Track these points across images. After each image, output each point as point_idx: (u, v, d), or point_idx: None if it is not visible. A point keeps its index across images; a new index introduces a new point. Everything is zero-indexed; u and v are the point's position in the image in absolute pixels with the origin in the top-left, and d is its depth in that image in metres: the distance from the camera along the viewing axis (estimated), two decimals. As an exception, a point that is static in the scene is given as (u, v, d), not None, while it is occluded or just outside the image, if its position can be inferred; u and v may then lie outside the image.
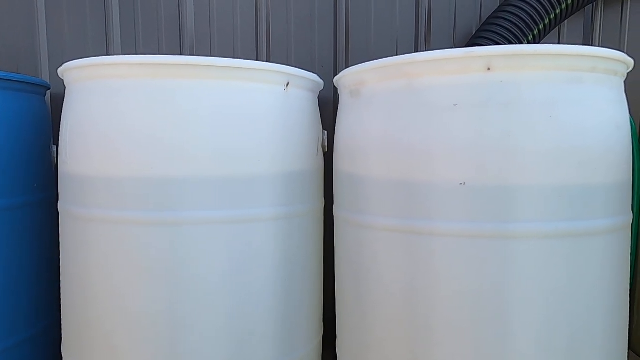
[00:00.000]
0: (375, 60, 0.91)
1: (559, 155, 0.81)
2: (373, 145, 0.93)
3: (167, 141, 0.91)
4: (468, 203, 0.82)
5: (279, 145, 1.00)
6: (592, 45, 1.39)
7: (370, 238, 0.94)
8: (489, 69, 0.81)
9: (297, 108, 1.06)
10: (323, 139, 1.18)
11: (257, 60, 1.47)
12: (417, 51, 1.45)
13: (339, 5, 1.45)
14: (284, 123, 1.01)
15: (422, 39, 1.43)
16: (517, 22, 1.07)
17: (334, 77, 1.56)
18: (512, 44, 1.07)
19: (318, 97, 1.23)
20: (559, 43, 1.42)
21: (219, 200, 0.92)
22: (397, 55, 1.51)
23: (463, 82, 0.83)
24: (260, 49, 1.46)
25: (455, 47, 1.43)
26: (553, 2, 1.08)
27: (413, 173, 0.86)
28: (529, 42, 1.09)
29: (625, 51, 1.42)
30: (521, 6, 1.10)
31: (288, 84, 1.02)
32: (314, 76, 1.12)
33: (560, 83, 0.82)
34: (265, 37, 1.46)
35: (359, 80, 0.97)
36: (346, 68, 1.53)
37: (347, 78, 1.00)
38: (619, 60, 0.87)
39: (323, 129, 1.23)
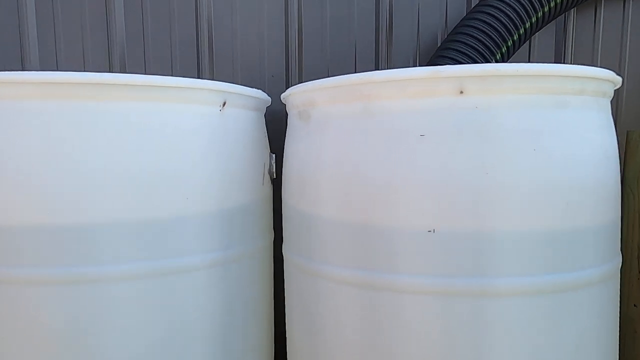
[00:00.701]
0: (326, 79, 0.76)
1: (544, 194, 0.68)
2: (326, 179, 0.78)
3: (68, 179, 0.73)
4: (438, 254, 0.68)
5: (212, 177, 0.84)
6: (564, 59, 1.28)
7: (324, 289, 0.79)
8: (461, 92, 0.68)
9: (237, 131, 0.90)
10: (271, 164, 1.02)
11: (198, 77, 1.30)
12: (378, 58, 1.31)
13: (290, 8, 1.30)
14: (219, 150, 0.85)
15: (383, 43, 1.30)
16: (488, 34, 0.94)
17: (286, 89, 1.42)
18: (484, 59, 0.95)
19: (268, 112, 1.08)
20: (530, 59, 1.31)
21: (136, 249, 0.75)
22: (355, 60, 1.39)
23: (430, 108, 0.69)
24: (202, 65, 1.29)
25: (420, 52, 1.30)
26: (528, 10, 0.96)
27: (373, 215, 0.72)
28: (501, 58, 0.97)
29: (599, 64, 1.33)
30: (494, 14, 0.98)
31: (224, 103, 0.86)
32: (258, 92, 0.96)
33: (544, 108, 0.69)
34: (207, 51, 1.29)
35: (308, 100, 0.82)
36: (299, 77, 1.40)
37: (295, 97, 0.85)
38: (609, 80, 0.75)
39: (272, 151, 1.07)
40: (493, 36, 0.91)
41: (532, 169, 0.67)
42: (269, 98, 1.07)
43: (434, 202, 0.68)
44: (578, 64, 1.24)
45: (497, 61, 0.97)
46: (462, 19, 1.03)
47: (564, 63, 1.27)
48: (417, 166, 0.69)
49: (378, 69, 1.29)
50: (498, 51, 0.93)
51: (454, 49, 0.94)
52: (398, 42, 1.28)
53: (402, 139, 0.70)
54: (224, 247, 0.87)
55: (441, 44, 1.00)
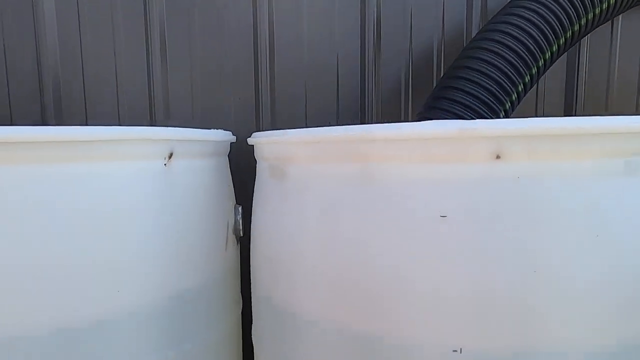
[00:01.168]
0: (307, 131, 0.56)
1: (615, 298, 0.50)
2: (307, 267, 0.58)
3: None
4: (468, 384, 0.50)
5: (156, 258, 0.63)
6: (575, 110, 1.09)
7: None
8: (498, 157, 0.49)
9: (190, 189, 0.69)
10: (236, 221, 0.82)
11: (151, 123, 1.08)
12: (365, 70, 1.11)
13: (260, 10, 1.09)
14: (165, 220, 0.64)
15: (371, 54, 1.10)
16: (502, 70, 0.73)
17: (256, 110, 1.21)
18: (495, 103, 0.74)
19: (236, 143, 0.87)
20: (537, 104, 1.12)
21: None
22: (337, 71, 1.18)
23: (455, 177, 0.50)
24: (156, 107, 1.07)
25: (413, 62, 1.11)
26: (549, 36, 0.75)
27: (374, 324, 0.52)
28: (510, 106, 0.76)
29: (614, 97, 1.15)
30: (509, 42, 0.75)
31: (171, 155, 0.65)
32: (218, 134, 0.75)
33: (611, 176, 0.51)
34: (161, 95, 1.07)
35: (283, 154, 0.61)
36: (271, 95, 1.19)
37: (265, 148, 0.64)
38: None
39: (240, 200, 0.87)
40: (509, 73, 0.72)
41: (600, 263, 0.49)
42: (233, 137, 0.86)
43: (461, 312, 0.49)
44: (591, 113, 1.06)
45: (507, 107, 0.75)
46: (465, 49, 0.81)
47: (575, 111, 1.08)
48: (436, 260, 0.50)
49: (365, 81, 1.09)
50: (514, 90, 0.73)
51: (456, 89, 0.72)
52: (388, 50, 1.09)
53: (414, 219, 0.50)
54: (177, 343, 0.66)
55: (439, 81, 0.78)
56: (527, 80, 0.73)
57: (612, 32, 1.08)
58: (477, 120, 0.48)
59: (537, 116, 1.07)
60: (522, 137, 0.47)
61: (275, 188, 0.62)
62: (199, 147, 0.69)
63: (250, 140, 0.67)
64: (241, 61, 1.08)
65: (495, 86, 0.70)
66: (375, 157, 0.51)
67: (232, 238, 0.78)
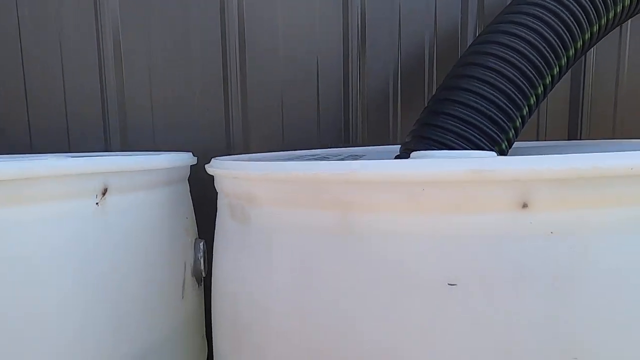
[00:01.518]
0: (273, 165, 0.44)
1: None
2: (275, 337, 0.46)
3: None
4: None
5: (86, 324, 0.50)
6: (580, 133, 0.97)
7: None
8: (524, 206, 0.37)
9: (132, 228, 0.56)
10: (196, 259, 0.69)
11: (107, 150, 0.94)
12: (349, 66, 0.98)
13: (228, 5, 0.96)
14: (93, 271, 0.51)
15: (355, 53, 0.98)
16: (504, 91, 0.56)
17: (225, 115, 1.07)
18: (495, 130, 0.57)
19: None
20: (538, 130, 0.99)
21: None
22: (317, 75, 1.05)
23: (467, 234, 0.38)
24: (110, 128, 0.94)
25: (402, 65, 0.98)
26: (556, 51, 0.62)
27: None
28: (520, 124, 0.63)
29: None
30: (512, 57, 0.59)
31: (105, 190, 0.52)
32: (170, 159, 0.62)
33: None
34: (116, 106, 0.93)
35: (245, 193, 0.49)
36: (242, 103, 1.04)
37: (225, 182, 0.52)
38: None
39: (203, 233, 0.74)
40: (512, 94, 0.59)
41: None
42: (193, 159, 0.74)
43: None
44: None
45: (511, 136, 0.62)
46: (461, 62, 0.65)
47: (581, 134, 0.97)
48: (441, 341, 0.38)
49: (349, 88, 0.97)
50: (518, 115, 0.60)
51: (450, 116, 0.59)
52: (373, 52, 0.97)
53: (413, 288, 0.38)
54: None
55: (431, 101, 0.64)
56: (532, 102, 0.61)
57: (619, 46, 0.97)
58: (495, 157, 0.36)
59: (538, 139, 0.96)
60: (557, 181, 0.35)
61: (236, 233, 0.50)
62: (144, 177, 0.56)
63: (208, 169, 0.55)
64: (208, 69, 0.95)
65: (496, 110, 0.58)
66: (359, 205, 0.39)
67: (191, 281, 0.66)
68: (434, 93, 0.67)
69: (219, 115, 0.96)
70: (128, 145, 0.96)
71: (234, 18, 0.93)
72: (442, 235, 0.37)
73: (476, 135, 0.59)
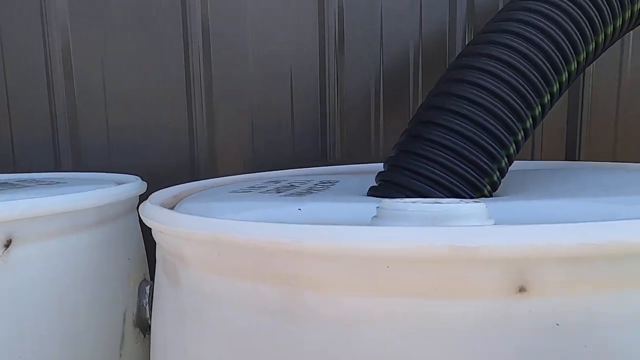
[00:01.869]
0: (206, 222, 0.34)
1: None
2: None
3: None
4: None
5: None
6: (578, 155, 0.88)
7: None
8: (521, 290, 0.28)
9: (49, 284, 0.47)
10: (140, 306, 0.60)
11: (58, 170, 0.84)
12: (326, 75, 0.88)
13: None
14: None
15: (332, 60, 0.88)
16: (495, 115, 0.49)
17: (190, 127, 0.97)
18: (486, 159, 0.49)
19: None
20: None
21: None
22: (291, 80, 0.95)
23: (448, 323, 0.29)
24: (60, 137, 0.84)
25: (384, 70, 0.89)
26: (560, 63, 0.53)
27: None
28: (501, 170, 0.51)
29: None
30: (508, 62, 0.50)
31: (9, 242, 0.43)
32: (100, 196, 0.52)
33: None
34: (65, 120, 0.83)
35: (174, 250, 0.40)
36: (207, 119, 0.93)
37: (157, 233, 0.43)
38: None
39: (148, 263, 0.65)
40: (506, 118, 0.50)
41: None
42: (141, 185, 0.64)
43: None
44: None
45: (495, 179, 0.50)
46: (442, 81, 0.55)
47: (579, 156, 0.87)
48: None
49: (327, 101, 0.88)
50: (512, 140, 0.51)
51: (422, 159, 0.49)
52: (352, 56, 0.88)
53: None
54: None
55: (413, 119, 0.54)
56: (528, 125, 0.52)
57: (621, 65, 0.88)
58: (484, 228, 0.28)
59: (533, 158, 0.87)
60: (564, 259, 0.27)
61: (169, 294, 0.41)
62: (61, 221, 0.47)
63: (140, 211, 0.45)
64: (171, 76, 0.85)
65: (487, 137, 0.48)
66: (306, 282, 0.30)
67: (132, 333, 0.57)
68: (418, 107, 0.58)
69: (182, 133, 0.87)
70: (82, 165, 0.86)
71: (198, 32, 0.83)
72: (411, 325, 0.28)
73: (464, 166, 0.50)
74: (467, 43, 0.88)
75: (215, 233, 0.31)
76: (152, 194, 0.52)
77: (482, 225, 0.27)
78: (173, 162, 0.87)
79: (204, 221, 0.33)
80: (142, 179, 0.73)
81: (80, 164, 0.85)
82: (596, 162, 0.70)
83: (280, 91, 0.87)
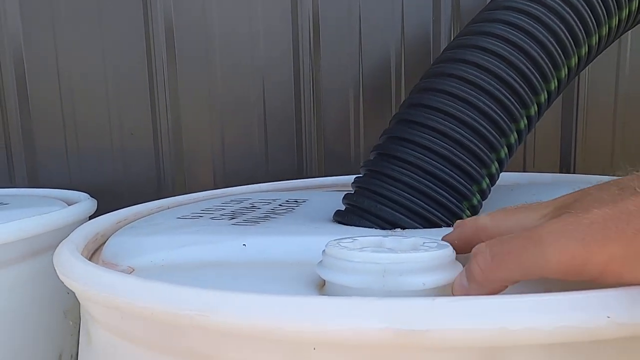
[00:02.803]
0: (101, 277, 0.28)
1: None
2: None
3: None
4: None
5: None
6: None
7: None
8: None
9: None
10: (83, 347, 0.54)
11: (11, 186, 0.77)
12: (301, 80, 0.81)
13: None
14: None
15: (307, 64, 0.81)
16: (489, 116, 0.43)
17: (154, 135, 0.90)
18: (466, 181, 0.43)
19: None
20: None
21: None
22: (263, 88, 0.87)
23: None
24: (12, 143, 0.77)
25: (363, 78, 0.82)
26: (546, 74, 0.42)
27: None
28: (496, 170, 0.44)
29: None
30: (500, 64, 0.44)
31: None
32: (30, 225, 0.46)
33: None
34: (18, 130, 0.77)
35: (83, 302, 0.34)
36: (173, 137, 0.84)
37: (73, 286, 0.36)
38: None
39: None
40: (498, 119, 0.44)
41: None
42: (91, 205, 0.58)
43: None
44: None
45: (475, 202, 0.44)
46: (415, 90, 0.48)
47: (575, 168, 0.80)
48: None
49: (302, 108, 0.81)
50: (493, 159, 0.44)
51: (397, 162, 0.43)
52: (329, 62, 0.81)
53: None
54: None
55: (390, 126, 0.48)
56: (513, 141, 0.46)
57: (617, 77, 0.81)
58: (441, 302, 0.21)
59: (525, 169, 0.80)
60: (542, 347, 0.21)
61: (84, 349, 0.35)
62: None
63: (54, 258, 0.38)
64: (134, 80, 0.79)
65: (467, 155, 0.42)
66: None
67: (72, 377, 0.51)
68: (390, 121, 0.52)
69: (147, 143, 0.81)
70: (37, 179, 0.80)
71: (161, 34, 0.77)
72: None
73: (439, 189, 0.44)
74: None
75: (112, 295, 0.25)
76: (86, 223, 0.46)
77: (434, 298, 0.21)
78: (137, 176, 0.81)
79: (103, 277, 0.27)
80: (99, 196, 0.67)
81: (36, 178, 0.79)
82: (589, 175, 0.63)
83: (252, 106, 0.81)
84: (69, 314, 0.51)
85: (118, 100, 0.78)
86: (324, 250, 0.30)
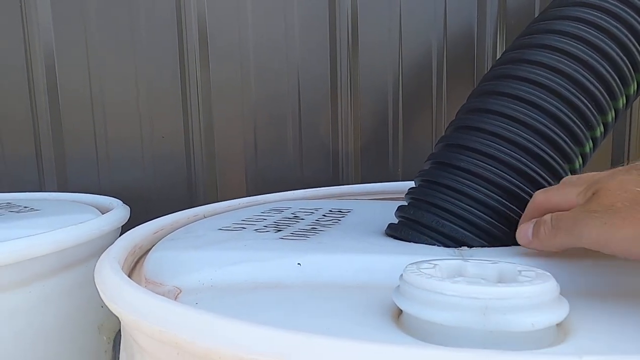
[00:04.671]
0: (153, 312, 0.25)
1: None
2: None
3: None
4: None
5: None
6: None
7: None
8: None
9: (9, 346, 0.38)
10: (117, 363, 0.51)
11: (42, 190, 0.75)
12: (338, 83, 0.77)
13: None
14: None
15: (344, 63, 0.77)
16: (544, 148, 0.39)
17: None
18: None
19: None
20: None
21: None
22: (299, 88, 0.83)
23: None
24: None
25: (402, 71, 0.78)
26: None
27: None
28: None
29: None
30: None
31: None
32: (57, 239, 0.42)
33: None
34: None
35: (130, 329, 0.31)
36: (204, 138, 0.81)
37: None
38: None
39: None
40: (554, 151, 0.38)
41: None
42: (124, 211, 0.56)
43: None
44: None
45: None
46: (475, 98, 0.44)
47: None
48: None
49: (338, 111, 0.77)
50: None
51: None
52: (367, 60, 0.78)
53: None
54: None
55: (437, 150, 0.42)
56: (587, 150, 0.41)
57: None
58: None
59: None
60: None
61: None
62: (11, 272, 0.38)
63: (96, 279, 0.36)
64: (166, 84, 0.76)
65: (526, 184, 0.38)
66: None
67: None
68: (447, 125, 0.48)
69: (178, 148, 0.78)
70: (67, 183, 0.78)
71: (194, 38, 0.74)
72: None
73: (506, 202, 0.40)
74: (498, 46, 0.77)
75: (169, 331, 0.22)
76: (123, 235, 0.43)
77: (582, 357, 0.17)
78: (168, 181, 0.78)
79: (159, 307, 0.24)
80: (129, 201, 0.65)
81: (65, 182, 0.77)
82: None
83: (286, 106, 0.77)
84: (103, 329, 0.48)
85: (149, 103, 0.75)
86: (401, 276, 0.26)
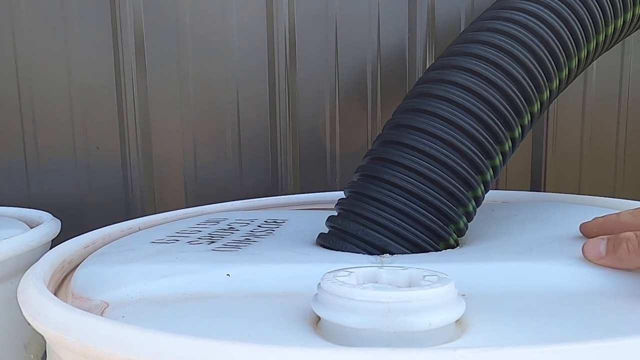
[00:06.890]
0: (74, 325, 0.25)
1: None
2: None
3: None
4: None
5: None
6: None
7: None
8: None
9: None
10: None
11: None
12: (276, 93, 0.79)
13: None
14: None
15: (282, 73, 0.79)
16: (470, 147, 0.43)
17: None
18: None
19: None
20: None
21: None
22: (238, 100, 0.84)
23: None
24: None
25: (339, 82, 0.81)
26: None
27: None
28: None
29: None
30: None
31: None
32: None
33: None
34: None
35: (53, 345, 0.31)
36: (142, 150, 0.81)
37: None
38: None
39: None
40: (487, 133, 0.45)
41: None
42: (56, 222, 0.55)
43: None
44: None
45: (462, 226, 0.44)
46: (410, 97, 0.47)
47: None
48: None
49: (277, 118, 0.79)
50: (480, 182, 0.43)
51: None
52: (304, 79, 0.80)
53: None
54: None
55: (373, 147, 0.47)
56: (497, 163, 0.45)
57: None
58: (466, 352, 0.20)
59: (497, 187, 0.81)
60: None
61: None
62: None
63: (19, 296, 0.35)
64: (102, 91, 0.75)
65: (455, 180, 0.42)
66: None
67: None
68: (374, 139, 0.51)
69: (114, 158, 0.77)
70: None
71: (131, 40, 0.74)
72: None
73: (426, 212, 0.43)
74: (427, 61, 0.82)
75: (91, 346, 0.23)
76: (51, 250, 0.42)
77: (455, 350, 0.19)
78: (104, 193, 0.77)
79: (79, 324, 0.24)
80: (62, 214, 0.63)
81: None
82: (562, 194, 0.64)
83: (225, 110, 0.78)
84: (29, 347, 0.47)
85: (84, 110, 0.74)
86: (319, 284, 0.28)
